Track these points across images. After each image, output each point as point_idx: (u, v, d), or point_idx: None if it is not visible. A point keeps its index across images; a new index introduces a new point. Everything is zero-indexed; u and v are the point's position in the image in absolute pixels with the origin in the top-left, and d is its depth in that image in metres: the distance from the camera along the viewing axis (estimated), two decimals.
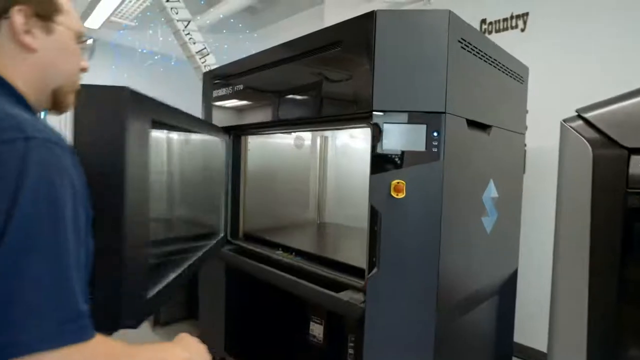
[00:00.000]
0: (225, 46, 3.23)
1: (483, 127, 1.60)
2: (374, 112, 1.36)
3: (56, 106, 0.75)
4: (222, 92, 2.20)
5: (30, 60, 0.67)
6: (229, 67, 2.16)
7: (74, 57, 0.75)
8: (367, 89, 1.36)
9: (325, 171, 3.00)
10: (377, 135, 1.37)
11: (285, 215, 2.78)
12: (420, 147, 1.34)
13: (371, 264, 1.54)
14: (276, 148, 2.69)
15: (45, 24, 0.67)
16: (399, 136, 1.35)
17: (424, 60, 1.33)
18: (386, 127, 1.35)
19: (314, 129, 2.25)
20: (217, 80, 2.27)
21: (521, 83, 1.92)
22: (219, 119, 2.29)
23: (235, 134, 2.34)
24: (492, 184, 1.68)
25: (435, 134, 1.33)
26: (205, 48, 2.89)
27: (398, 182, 1.32)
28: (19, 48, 0.65)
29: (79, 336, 0.54)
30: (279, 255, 2.02)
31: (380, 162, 1.36)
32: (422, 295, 1.37)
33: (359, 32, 1.39)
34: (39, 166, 0.54)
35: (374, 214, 1.38)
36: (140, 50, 4.28)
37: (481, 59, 1.52)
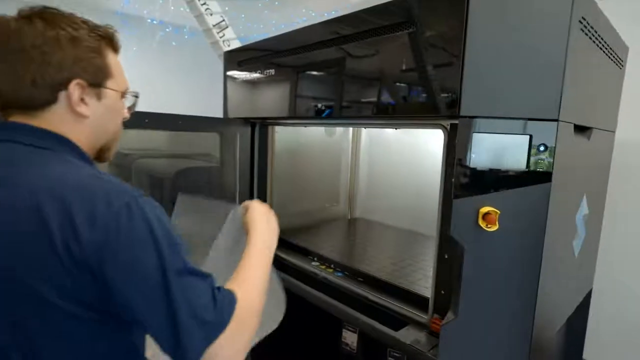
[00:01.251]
0: (243, 16, 2.82)
1: (584, 130, 1.27)
2: (460, 119, 1.04)
3: (98, 159, 0.80)
4: (248, 76, 1.87)
5: (82, 125, 0.72)
6: (259, 47, 1.81)
7: (120, 114, 0.80)
8: (453, 87, 1.03)
9: (358, 161, 2.69)
10: (460, 148, 1.05)
11: (314, 211, 2.50)
12: (520, 164, 1.02)
13: (438, 299, 1.27)
14: (305, 136, 2.38)
15: (97, 91, 0.72)
16: (493, 150, 1.03)
17: (534, 49, 0.99)
18: (477, 138, 1.03)
19: (366, 125, 1.87)
20: (242, 62, 1.93)
21: (620, 68, 1.55)
22: (243, 108, 1.97)
23: (262, 123, 2.03)
24: (584, 200, 1.37)
25: (542, 148, 1.01)
26: (223, 20, 2.51)
27: (489, 212, 1.01)
28: (74, 116, 0.70)
29: (224, 324, 0.65)
30: (315, 268, 1.76)
31: (466, 182, 1.05)
32: (511, 347, 1.10)
33: (443, 8, 1.04)
34: (156, 217, 0.65)
35: (451, 245, 1.09)
36: (149, 20, 3.89)
37: (596, 43, 1.17)
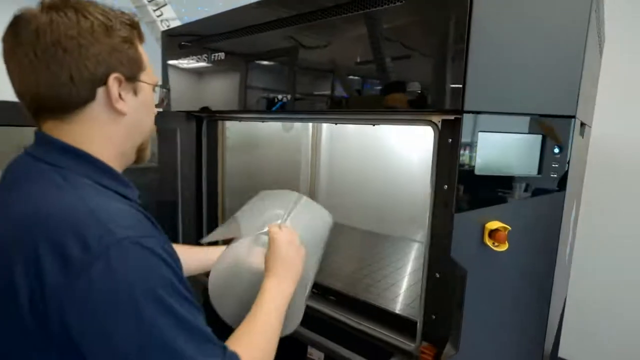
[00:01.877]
0: None
1: (582, 127, 1.14)
2: (464, 114, 0.84)
3: (138, 160, 0.73)
4: (191, 62, 1.57)
5: (119, 125, 0.65)
6: (203, 27, 1.51)
7: (153, 110, 0.73)
8: (454, 77, 0.83)
9: (319, 158, 2.47)
10: (464, 150, 0.86)
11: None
12: (531, 169, 0.85)
13: (428, 324, 1.09)
14: (260, 131, 2.11)
15: (133, 85, 0.65)
16: (502, 152, 0.85)
17: (549, 33, 0.82)
18: (482, 138, 0.84)
19: (337, 120, 1.62)
20: (184, 44, 1.62)
21: (600, 56, 1.46)
22: (186, 100, 1.66)
23: (210, 118, 1.74)
24: (575, 204, 1.26)
25: (556, 149, 0.85)
26: None
27: (499, 228, 0.84)
28: (111, 115, 0.64)
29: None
30: None
31: (469, 192, 0.87)
32: None
33: None
34: (147, 269, 0.55)
35: (450, 266, 0.91)
36: None
37: (598, 32, 1.03)
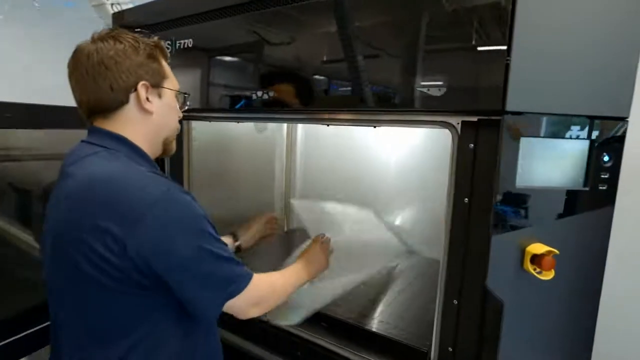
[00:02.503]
0: None
1: None
2: (505, 116, 0.69)
3: (164, 152, 0.92)
4: None
5: (148, 121, 0.84)
6: (160, 9, 1.28)
7: (176, 111, 0.91)
8: (494, 70, 0.68)
9: (295, 161, 2.28)
10: (505, 158, 0.71)
11: (242, 223, 2.03)
12: (576, 182, 0.72)
13: (443, 357, 0.94)
14: (231, 132, 1.89)
15: (158, 91, 0.85)
16: (547, 161, 0.71)
17: (603, 21, 0.68)
18: (526, 145, 0.70)
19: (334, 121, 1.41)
20: (138, 30, 1.38)
21: None
22: None
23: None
24: None
25: (606, 157, 0.72)
26: None
27: (544, 253, 0.70)
28: (141, 114, 0.83)
29: (243, 285, 0.79)
30: None
31: (509, 210, 0.72)
32: None
33: None
34: (186, 206, 0.76)
35: (487, 297, 0.76)
36: None
37: None
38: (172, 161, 1.60)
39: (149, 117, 0.84)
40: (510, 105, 0.67)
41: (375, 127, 1.11)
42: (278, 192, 2.24)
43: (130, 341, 0.76)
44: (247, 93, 1.12)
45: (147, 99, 0.82)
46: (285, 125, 2.19)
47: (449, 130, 0.88)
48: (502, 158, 0.70)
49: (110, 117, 0.82)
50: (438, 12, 0.74)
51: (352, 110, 0.98)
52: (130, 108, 0.82)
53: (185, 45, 1.20)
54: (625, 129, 0.71)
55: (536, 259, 0.70)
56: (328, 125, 1.60)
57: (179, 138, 1.52)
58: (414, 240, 1.72)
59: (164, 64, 0.88)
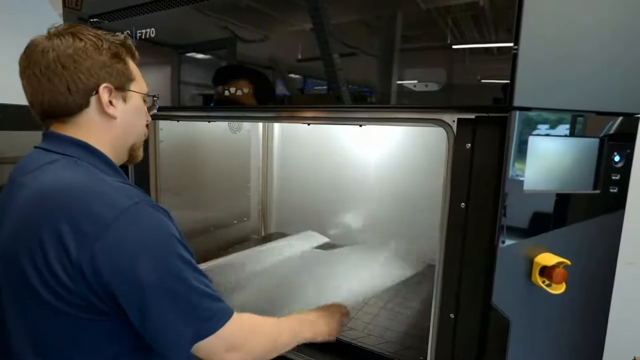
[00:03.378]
0: None
1: None
2: (513, 112, 0.61)
3: (130, 160, 0.84)
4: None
5: (112, 127, 0.76)
6: None
7: (144, 115, 0.84)
8: (501, 62, 0.60)
9: (271, 163, 2.16)
10: (512, 159, 0.63)
11: (217, 231, 1.91)
12: (586, 185, 0.66)
13: None
14: (202, 133, 1.76)
15: (123, 94, 0.77)
16: (556, 162, 0.64)
17: (616, 12, 0.62)
18: (533, 142, 0.62)
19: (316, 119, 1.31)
20: (94, 20, 1.24)
21: None
22: None
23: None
24: None
25: (617, 157, 0.66)
26: None
27: (556, 264, 0.63)
28: (104, 118, 0.75)
29: (219, 324, 0.68)
30: None
31: (515, 217, 0.64)
32: None
33: None
34: (156, 223, 0.67)
35: (492, 313, 0.68)
36: None
37: None
38: (137, 171, 1.46)
39: (113, 122, 0.76)
40: (518, 100, 0.59)
41: (361, 125, 1.02)
42: (254, 196, 2.12)
43: None
44: (220, 89, 1.01)
45: (111, 102, 0.74)
46: (260, 124, 2.08)
47: (444, 129, 0.80)
48: (509, 159, 0.62)
49: (69, 122, 0.74)
50: None
51: (329, 108, 0.89)
52: (91, 112, 0.74)
53: (148, 36, 1.08)
54: (637, 127, 0.65)
55: (546, 270, 0.63)
56: (309, 124, 1.50)
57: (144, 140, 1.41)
58: (401, 247, 1.64)
59: (131, 64, 0.80)
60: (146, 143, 1.42)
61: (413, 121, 0.86)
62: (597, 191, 0.65)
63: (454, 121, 0.77)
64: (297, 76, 0.89)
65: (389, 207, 1.75)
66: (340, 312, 1.01)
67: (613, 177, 0.66)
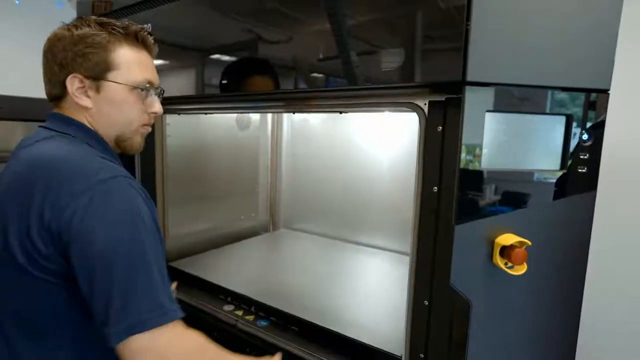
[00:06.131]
0: None
1: None
2: (466, 87, 0.61)
3: (123, 151, 0.85)
4: None
5: (90, 115, 0.78)
6: None
7: (130, 107, 0.80)
8: (453, 35, 0.60)
9: (280, 159, 2.20)
10: (467, 137, 0.62)
11: (225, 226, 1.95)
12: (553, 163, 0.63)
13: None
14: (209, 130, 1.82)
15: (96, 84, 0.76)
16: (515, 139, 0.62)
17: None
18: (492, 120, 0.61)
19: (295, 108, 1.35)
20: (102, 14, 1.32)
21: None
22: None
23: None
24: None
25: (585, 136, 0.63)
26: None
27: (514, 244, 0.61)
28: (78, 107, 0.77)
29: (162, 320, 0.64)
30: (229, 315, 1.24)
31: (474, 196, 0.63)
32: None
33: None
34: (129, 200, 0.68)
35: (448, 295, 0.67)
36: None
37: None
38: (144, 159, 1.53)
39: (89, 112, 0.78)
40: (471, 75, 0.58)
41: (341, 112, 1.03)
42: (263, 195, 2.16)
43: (59, 339, 0.70)
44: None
45: (85, 92, 0.76)
46: (269, 121, 2.12)
47: (417, 112, 0.79)
48: (463, 135, 0.61)
49: (61, 106, 0.79)
50: None
51: (298, 96, 0.90)
52: (69, 101, 0.78)
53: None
54: (607, 104, 0.62)
55: (505, 251, 0.61)
56: (294, 112, 1.51)
57: (150, 135, 1.47)
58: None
59: (122, 52, 0.78)
60: (152, 137, 1.50)
61: (387, 105, 0.86)
62: (565, 171, 0.63)
63: (425, 104, 0.77)
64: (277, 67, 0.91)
65: (401, 202, 1.73)
66: None
67: (582, 157, 0.63)
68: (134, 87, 0.79)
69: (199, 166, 1.79)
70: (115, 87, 0.78)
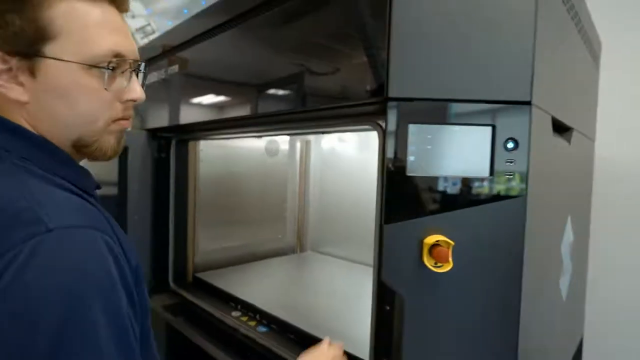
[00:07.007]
0: (169, 23, 2.34)
1: (563, 130, 0.96)
2: (389, 102, 0.69)
3: (89, 158, 0.57)
4: (153, 77, 1.52)
5: (24, 112, 0.51)
6: (160, 41, 1.48)
7: (87, 95, 0.52)
8: (376, 57, 0.70)
9: (308, 184, 2.33)
10: (391, 146, 0.70)
11: (252, 245, 2.10)
12: (482, 170, 0.68)
13: None
14: (240, 157, 2.02)
15: (28, 63, 0.49)
16: (439, 148, 0.69)
17: (491, 5, 0.68)
18: (413, 130, 0.69)
19: (273, 132, 1.51)
20: (152, 59, 1.59)
21: (596, 65, 1.29)
22: (153, 117, 1.61)
23: (179, 138, 1.66)
24: (569, 224, 1.04)
25: (511, 144, 0.68)
26: (149, 24, 2.17)
27: (439, 243, 0.66)
28: (11, 103, 0.50)
29: None
30: (235, 320, 1.35)
31: (401, 198, 0.70)
32: None
33: None
34: (73, 269, 0.43)
35: (385, 295, 0.72)
36: None
37: (571, 16, 0.88)
38: (177, 187, 1.72)
39: (26, 108, 0.51)
40: (392, 91, 0.67)
41: (323, 133, 1.14)
42: (291, 218, 2.28)
43: None
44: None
45: (15, 76, 0.50)
46: (298, 148, 2.27)
47: (377, 130, 0.88)
48: (389, 147, 0.69)
49: None
50: None
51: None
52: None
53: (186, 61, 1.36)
54: (531, 114, 0.67)
55: (430, 250, 0.66)
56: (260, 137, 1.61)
57: (183, 159, 1.69)
58: None
59: (68, 7, 0.49)
60: (185, 161, 1.72)
61: (354, 124, 0.95)
62: (492, 177, 0.68)
63: (385, 123, 0.85)
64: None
65: None
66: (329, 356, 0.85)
67: (508, 163, 0.67)
68: (91, 65, 0.51)
69: (229, 193, 1.96)
70: (59, 65, 0.50)
